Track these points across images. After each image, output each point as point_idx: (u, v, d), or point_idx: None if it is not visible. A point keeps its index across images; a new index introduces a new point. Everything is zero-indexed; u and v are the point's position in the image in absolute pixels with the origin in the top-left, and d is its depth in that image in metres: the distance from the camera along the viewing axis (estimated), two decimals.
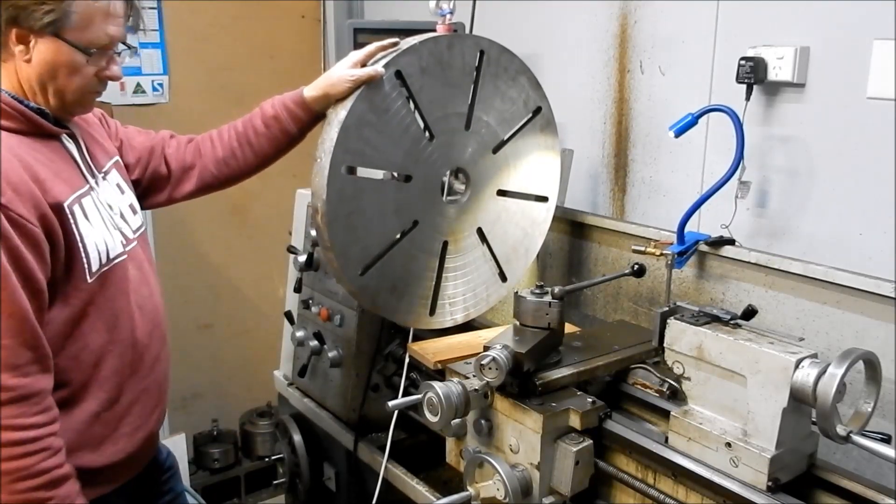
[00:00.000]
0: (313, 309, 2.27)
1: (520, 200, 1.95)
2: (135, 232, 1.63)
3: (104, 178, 1.59)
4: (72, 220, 1.42)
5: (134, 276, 1.58)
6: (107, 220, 1.53)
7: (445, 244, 1.81)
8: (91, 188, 1.52)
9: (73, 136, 1.54)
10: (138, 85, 3.36)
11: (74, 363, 1.46)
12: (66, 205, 1.41)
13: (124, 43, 1.52)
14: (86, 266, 1.45)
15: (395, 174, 1.70)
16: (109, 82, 1.54)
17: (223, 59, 3.52)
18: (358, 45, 2.05)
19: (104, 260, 1.49)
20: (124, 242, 1.57)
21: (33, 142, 1.43)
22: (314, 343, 2.22)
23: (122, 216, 1.59)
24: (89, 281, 1.46)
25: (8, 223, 1.30)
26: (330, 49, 3.73)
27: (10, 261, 1.31)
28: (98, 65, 1.47)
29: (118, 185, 1.64)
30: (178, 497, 1.88)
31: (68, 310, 1.44)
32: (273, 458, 2.50)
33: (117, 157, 1.69)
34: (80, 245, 1.43)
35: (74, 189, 1.46)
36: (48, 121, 1.47)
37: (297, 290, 2.35)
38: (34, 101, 1.45)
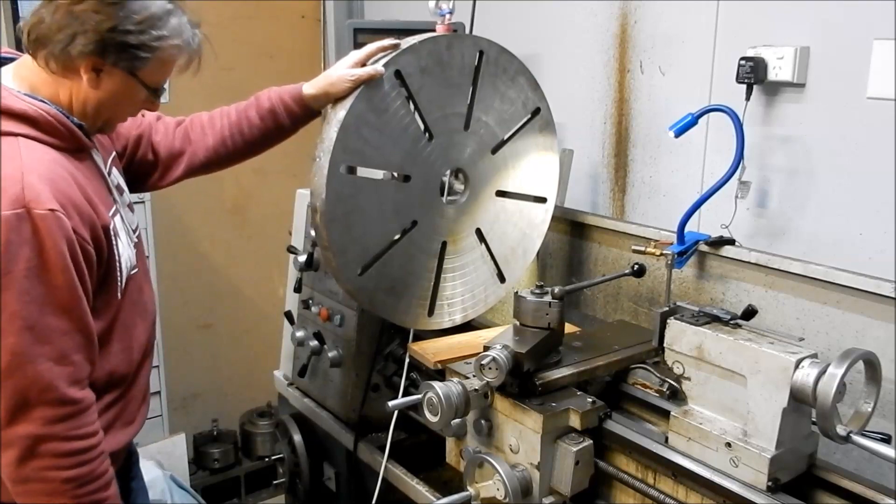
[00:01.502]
0: (313, 309, 2.27)
1: (518, 201, 1.95)
2: (134, 232, 1.63)
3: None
4: (115, 241, 1.44)
5: (139, 281, 1.59)
6: (129, 235, 1.55)
7: (444, 244, 1.81)
8: (115, 202, 1.52)
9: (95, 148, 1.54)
10: None
11: (93, 372, 1.47)
12: (111, 227, 1.43)
13: None
14: (119, 284, 1.47)
15: (395, 174, 1.70)
16: None
17: (223, 59, 3.51)
18: (358, 45, 2.05)
19: (128, 275, 1.51)
20: (136, 252, 1.58)
21: (74, 159, 1.43)
22: (314, 343, 2.22)
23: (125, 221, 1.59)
24: (119, 297, 1.49)
25: (78, 247, 1.33)
26: (330, 49, 3.73)
27: (80, 282, 1.34)
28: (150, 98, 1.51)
29: (118, 186, 1.63)
30: (142, 480, 1.90)
31: (99, 325, 1.45)
32: (273, 458, 2.50)
33: (115, 153, 1.67)
34: (117, 264, 1.46)
35: (109, 207, 1.47)
36: (84, 134, 1.46)
37: (297, 290, 2.35)
38: (77, 116, 1.44)
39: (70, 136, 1.41)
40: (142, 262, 1.64)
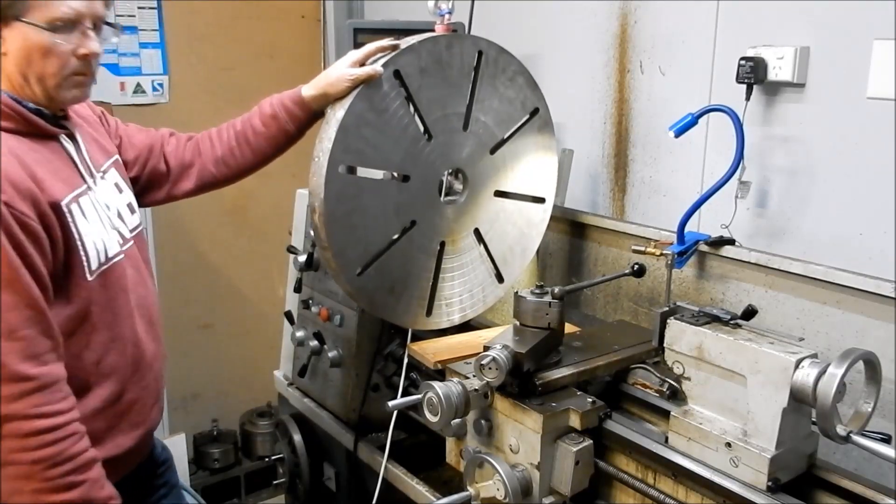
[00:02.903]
0: (313, 309, 2.27)
1: (517, 201, 1.95)
2: (132, 231, 1.64)
3: (102, 178, 1.60)
4: (70, 219, 1.43)
5: (131, 275, 1.59)
6: (104, 220, 1.54)
7: (443, 244, 1.81)
8: (89, 188, 1.53)
9: (71, 137, 1.54)
10: (138, 85, 3.36)
11: (76, 361, 1.47)
12: (63, 203, 1.42)
13: (107, 23, 1.51)
14: (85, 264, 1.46)
15: (394, 174, 1.70)
16: (102, 68, 1.53)
17: (223, 59, 3.52)
18: (358, 45, 2.05)
19: (103, 259, 1.50)
20: (121, 242, 1.58)
21: (31, 142, 1.44)
22: (314, 343, 2.22)
23: (119, 216, 1.60)
24: (90, 279, 1.47)
25: (12, 220, 1.32)
26: (330, 49, 3.73)
27: (19, 256, 1.33)
28: (71, 43, 1.44)
29: (116, 185, 1.64)
30: (174, 489, 1.89)
31: (70, 308, 1.45)
32: (273, 458, 2.50)
33: (116, 156, 1.69)
34: (78, 243, 1.45)
35: (72, 188, 1.47)
36: (47, 121, 1.47)
37: (297, 290, 2.35)
38: (25, 95, 1.45)
39: (23, 120, 1.43)
40: (140, 256, 1.65)
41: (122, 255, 1.56)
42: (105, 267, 1.51)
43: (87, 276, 1.47)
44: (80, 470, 1.39)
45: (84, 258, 1.46)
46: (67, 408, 1.38)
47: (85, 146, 1.58)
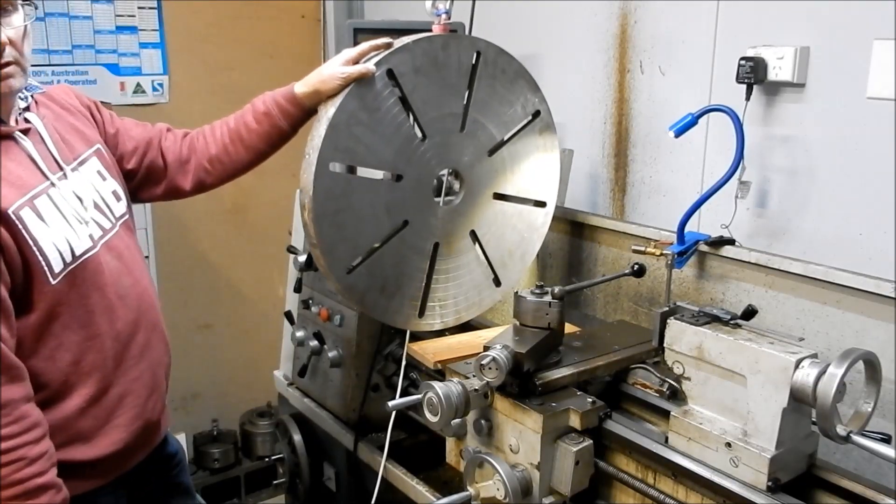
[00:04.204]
0: (313, 309, 2.27)
1: (517, 204, 1.94)
2: (116, 219, 1.60)
3: (77, 169, 1.55)
4: (20, 226, 1.39)
5: (112, 267, 1.55)
6: (70, 216, 1.49)
7: (437, 246, 1.79)
8: (51, 185, 1.48)
9: (31, 132, 1.50)
10: (138, 85, 3.36)
11: (50, 364, 1.44)
12: (10, 211, 1.38)
13: (24, 2, 1.45)
14: (45, 269, 1.42)
15: (390, 174, 1.70)
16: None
17: (223, 59, 3.52)
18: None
19: (69, 259, 1.46)
20: (96, 235, 1.53)
21: None
22: (314, 343, 2.22)
23: (96, 206, 1.56)
24: (53, 283, 1.43)
25: None
26: (330, 49, 3.73)
27: None
28: None
29: (98, 172, 1.61)
30: (189, 490, 1.89)
31: (35, 314, 1.42)
32: (273, 458, 2.50)
33: (98, 146, 1.65)
34: (34, 249, 1.40)
35: (25, 191, 1.42)
36: None
37: (297, 290, 2.35)
38: None
39: None
40: (125, 244, 1.62)
41: (95, 249, 1.51)
42: (73, 266, 1.46)
43: (50, 280, 1.43)
44: (25, 496, 1.34)
45: (43, 264, 1.41)
46: (15, 432, 1.33)
47: (54, 138, 1.53)
